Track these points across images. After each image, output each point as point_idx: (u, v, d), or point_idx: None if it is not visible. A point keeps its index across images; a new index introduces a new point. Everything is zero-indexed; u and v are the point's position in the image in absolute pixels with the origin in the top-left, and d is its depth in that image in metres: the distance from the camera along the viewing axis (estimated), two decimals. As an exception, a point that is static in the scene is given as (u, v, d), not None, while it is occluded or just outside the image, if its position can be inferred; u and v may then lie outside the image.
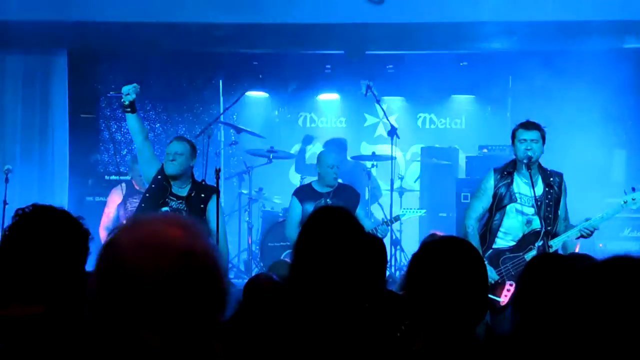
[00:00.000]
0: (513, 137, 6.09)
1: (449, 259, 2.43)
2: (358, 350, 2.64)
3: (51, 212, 2.34)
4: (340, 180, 7.94)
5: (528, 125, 6.06)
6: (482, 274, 2.49)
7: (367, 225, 7.69)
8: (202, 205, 6.34)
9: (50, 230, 2.29)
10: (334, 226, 2.84)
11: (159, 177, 6.39)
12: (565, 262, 3.16)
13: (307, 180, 9.61)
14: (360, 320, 2.72)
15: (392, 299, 3.72)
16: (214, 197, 6.31)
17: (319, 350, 2.61)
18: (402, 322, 2.93)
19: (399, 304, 3.29)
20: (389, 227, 7.79)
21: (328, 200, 7.73)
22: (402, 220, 8.05)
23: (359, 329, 2.68)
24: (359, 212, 7.68)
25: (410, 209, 8.18)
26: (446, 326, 2.38)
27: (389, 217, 7.96)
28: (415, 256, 2.50)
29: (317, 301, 2.71)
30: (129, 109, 6.35)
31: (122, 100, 6.34)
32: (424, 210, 8.33)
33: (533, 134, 6.01)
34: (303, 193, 7.85)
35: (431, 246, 2.50)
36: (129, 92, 6.31)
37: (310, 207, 7.46)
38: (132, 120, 6.41)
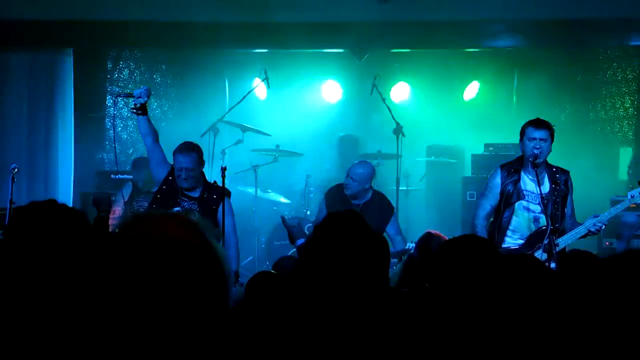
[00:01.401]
0: (522, 133, 6.02)
1: (472, 257, 2.42)
2: (360, 348, 2.64)
3: (48, 207, 2.33)
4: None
5: (538, 124, 5.97)
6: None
7: (399, 240, 7.06)
8: (214, 207, 6.31)
9: (47, 226, 2.28)
10: (341, 232, 2.86)
11: (170, 178, 6.36)
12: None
13: (311, 181, 9.60)
14: (362, 318, 2.72)
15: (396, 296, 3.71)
16: (226, 199, 6.30)
17: (321, 348, 2.61)
18: (407, 319, 2.93)
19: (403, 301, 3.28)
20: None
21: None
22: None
23: (361, 327, 2.68)
24: (390, 229, 7.07)
25: None
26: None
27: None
28: (437, 254, 2.50)
29: (320, 300, 2.72)
30: (140, 112, 6.20)
31: (134, 103, 6.19)
32: None
33: (542, 133, 5.93)
34: (334, 199, 7.21)
35: (453, 244, 2.50)
36: (140, 94, 6.17)
37: None
38: (143, 123, 6.27)
